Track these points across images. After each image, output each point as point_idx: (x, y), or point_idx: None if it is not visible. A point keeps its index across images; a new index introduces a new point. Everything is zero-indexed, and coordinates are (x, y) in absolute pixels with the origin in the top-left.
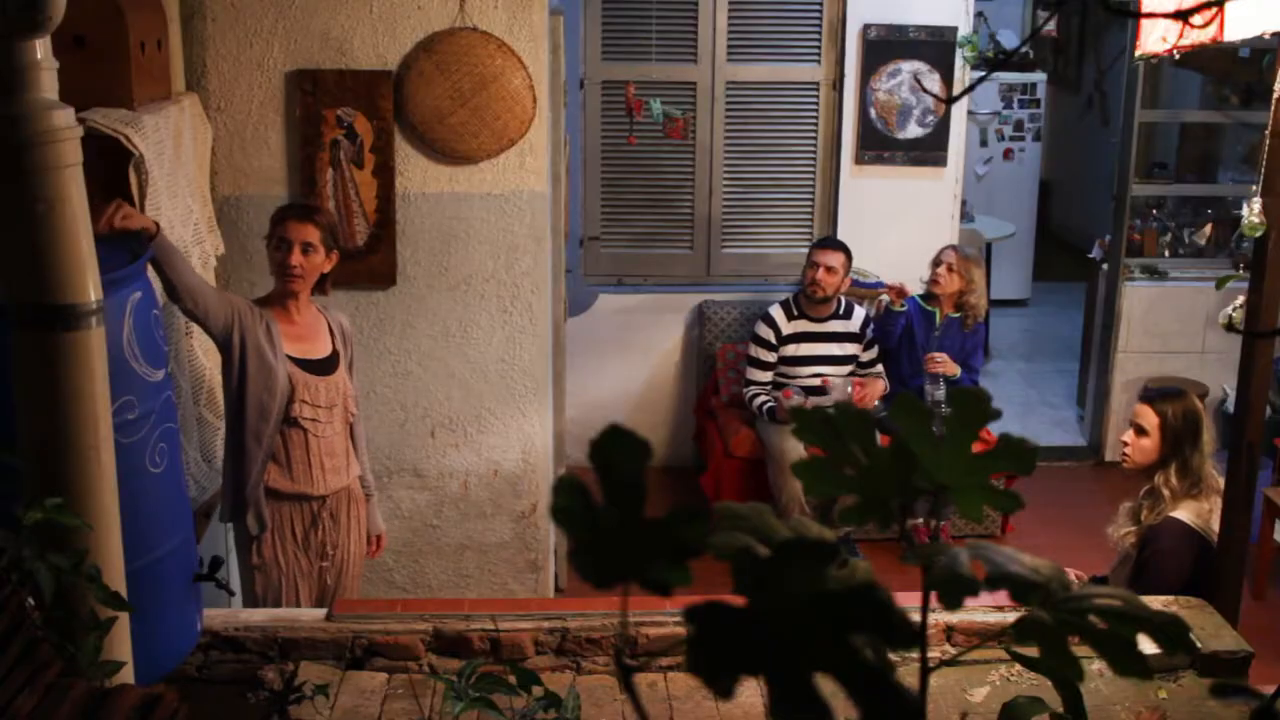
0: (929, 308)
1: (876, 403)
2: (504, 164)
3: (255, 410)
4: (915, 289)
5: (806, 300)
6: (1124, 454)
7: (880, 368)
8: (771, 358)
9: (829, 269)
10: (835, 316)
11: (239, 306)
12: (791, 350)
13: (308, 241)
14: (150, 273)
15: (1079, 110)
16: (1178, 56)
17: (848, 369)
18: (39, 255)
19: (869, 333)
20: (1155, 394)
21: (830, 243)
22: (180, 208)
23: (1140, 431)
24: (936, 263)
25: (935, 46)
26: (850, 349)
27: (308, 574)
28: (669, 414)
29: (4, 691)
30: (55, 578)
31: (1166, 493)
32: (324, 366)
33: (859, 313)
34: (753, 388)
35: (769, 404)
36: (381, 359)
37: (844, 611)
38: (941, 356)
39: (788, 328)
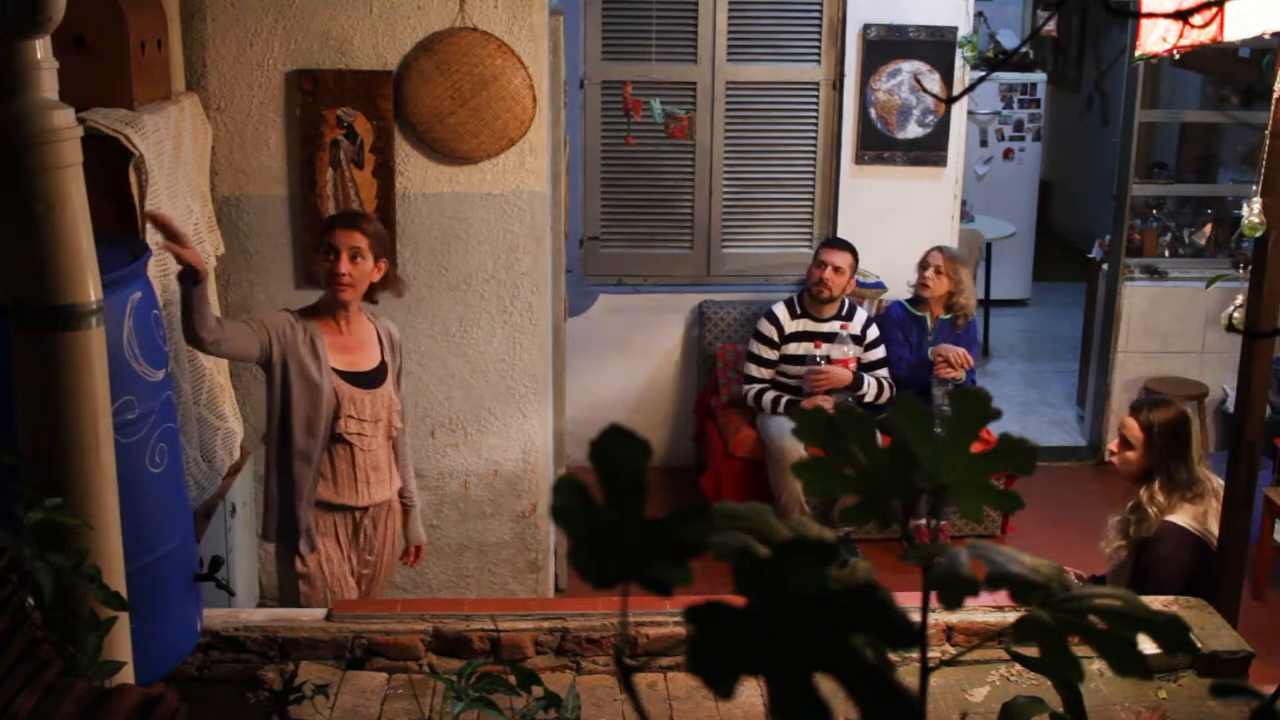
0: (919, 312)
1: (843, 397)
2: (504, 164)
3: (302, 428)
4: (909, 292)
5: (811, 299)
6: (1111, 461)
7: (885, 370)
8: (773, 355)
9: (836, 269)
10: (838, 317)
11: (274, 328)
12: (793, 349)
13: (356, 248)
14: (150, 275)
15: (1079, 110)
16: (1178, 56)
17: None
18: (39, 255)
19: (870, 334)
20: (1142, 405)
21: (838, 243)
22: (180, 208)
23: (1125, 444)
24: (923, 266)
25: (935, 46)
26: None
27: (348, 580)
28: (669, 414)
29: (4, 691)
30: (55, 578)
31: (1152, 510)
32: (372, 379)
33: (860, 314)
34: (753, 384)
35: (774, 395)
36: None
37: (844, 611)
38: (953, 356)
39: (791, 326)
